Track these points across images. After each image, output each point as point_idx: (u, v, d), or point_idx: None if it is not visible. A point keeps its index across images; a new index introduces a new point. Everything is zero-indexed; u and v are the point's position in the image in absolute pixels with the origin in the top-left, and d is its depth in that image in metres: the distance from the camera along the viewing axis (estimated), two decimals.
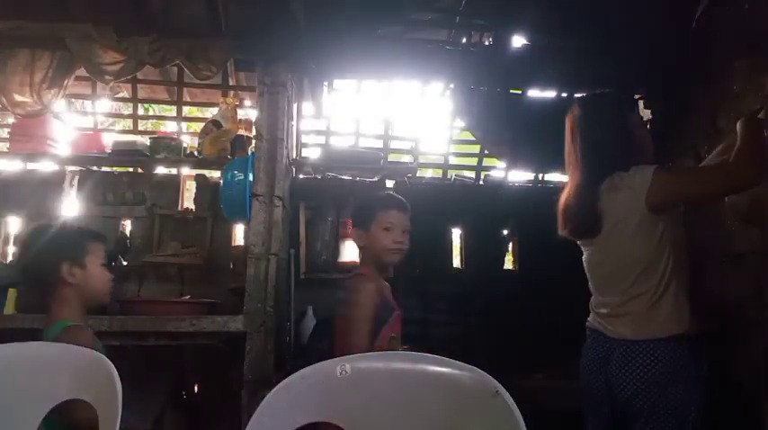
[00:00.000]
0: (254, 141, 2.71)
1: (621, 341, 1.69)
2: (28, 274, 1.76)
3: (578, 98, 2.06)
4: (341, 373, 1.10)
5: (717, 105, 2.40)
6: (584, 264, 1.90)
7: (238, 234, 3.27)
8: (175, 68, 3.12)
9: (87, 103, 3.50)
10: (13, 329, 2.23)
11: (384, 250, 1.91)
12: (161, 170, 3.32)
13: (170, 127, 4.01)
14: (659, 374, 1.62)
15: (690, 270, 1.74)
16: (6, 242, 3.18)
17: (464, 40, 3.19)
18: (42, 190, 3.16)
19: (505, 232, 3.51)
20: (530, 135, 3.02)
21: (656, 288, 1.67)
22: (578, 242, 1.90)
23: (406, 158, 3.75)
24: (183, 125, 3.49)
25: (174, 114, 3.46)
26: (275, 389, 1.11)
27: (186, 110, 3.79)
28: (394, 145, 3.70)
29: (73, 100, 3.49)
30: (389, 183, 3.44)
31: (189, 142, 3.29)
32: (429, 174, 4.37)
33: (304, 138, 3.55)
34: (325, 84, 3.19)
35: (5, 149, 3.16)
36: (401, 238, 1.92)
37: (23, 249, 1.84)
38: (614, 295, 1.75)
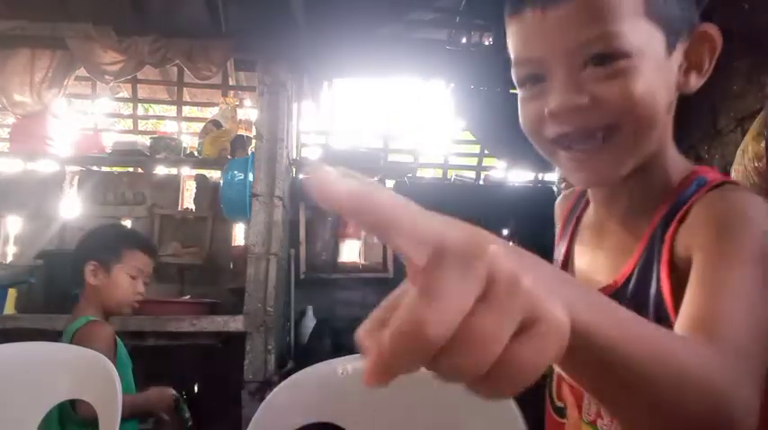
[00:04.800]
0: (254, 141, 2.71)
1: None
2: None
3: None
4: (341, 373, 1.10)
5: (717, 105, 2.40)
6: None
7: (238, 234, 3.27)
8: (175, 68, 3.12)
9: (87, 102, 3.50)
10: (13, 329, 2.23)
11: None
12: (161, 170, 3.32)
13: (170, 127, 4.02)
14: None
15: None
16: (6, 242, 3.18)
17: (464, 40, 3.19)
18: (42, 190, 3.16)
19: (505, 232, 3.51)
20: None
21: None
22: None
23: (406, 158, 3.75)
24: (183, 125, 3.49)
25: (174, 114, 3.46)
26: (275, 389, 1.11)
27: (186, 110, 3.80)
28: (394, 145, 3.70)
29: (73, 100, 3.49)
30: (389, 183, 3.44)
31: (189, 142, 3.30)
32: (429, 174, 4.36)
33: (304, 139, 3.55)
34: (326, 83, 3.20)
35: (5, 149, 3.16)
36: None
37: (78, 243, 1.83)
38: None
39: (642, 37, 0.56)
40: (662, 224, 0.60)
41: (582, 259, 0.73)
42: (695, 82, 0.63)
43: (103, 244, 1.75)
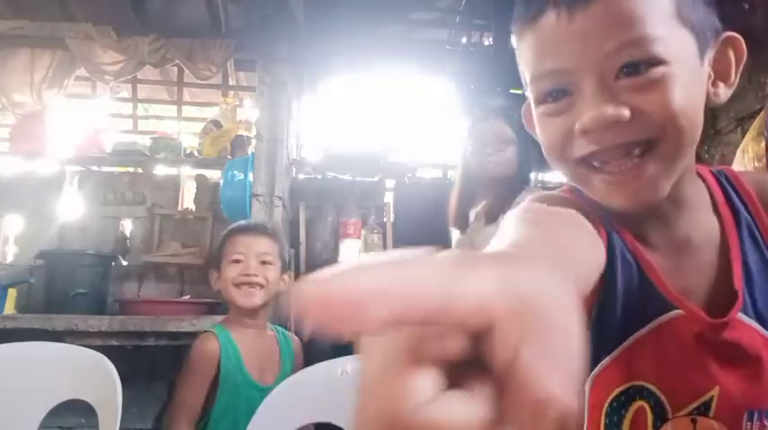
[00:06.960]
0: (254, 141, 2.71)
1: None
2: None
3: None
4: (341, 373, 1.10)
5: (717, 105, 2.40)
6: None
7: None
8: (175, 68, 3.12)
9: (87, 102, 3.50)
10: (13, 329, 2.23)
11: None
12: (161, 170, 3.32)
13: (170, 127, 4.02)
14: None
15: None
16: (6, 242, 3.18)
17: (464, 40, 3.20)
18: (42, 190, 3.16)
19: None
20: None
21: None
22: None
23: (406, 158, 3.75)
24: (183, 125, 3.49)
25: (174, 114, 3.46)
26: (275, 389, 1.11)
27: (186, 110, 3.80)
28: (394, 145, 3.70)
29: (73, 100, 3.49)
30: (389, 183, 3.44)
31: (189, 142, 3.30)
32: (429, 174, 4.36)
33: (304, 138, 3.55)
34: (326, 83, 3.20)
35: (5, 149, 3.16)
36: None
37: None
38: None
39: (678, 41, 0.51)
40: (739, 221, 0.60)
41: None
42: (724, 93, 0.59)
43: (217, 246, 1.71)
